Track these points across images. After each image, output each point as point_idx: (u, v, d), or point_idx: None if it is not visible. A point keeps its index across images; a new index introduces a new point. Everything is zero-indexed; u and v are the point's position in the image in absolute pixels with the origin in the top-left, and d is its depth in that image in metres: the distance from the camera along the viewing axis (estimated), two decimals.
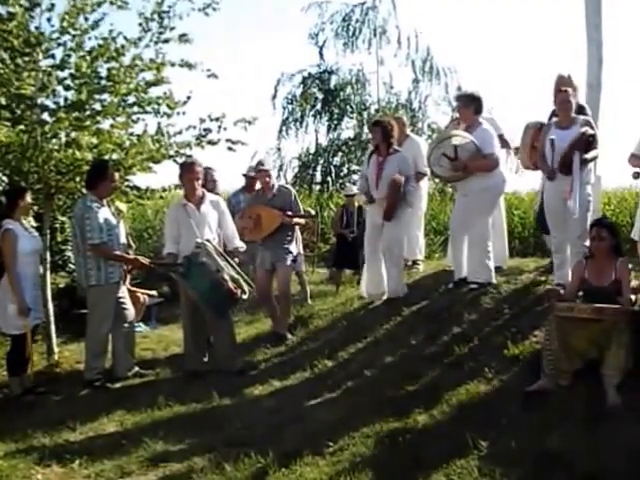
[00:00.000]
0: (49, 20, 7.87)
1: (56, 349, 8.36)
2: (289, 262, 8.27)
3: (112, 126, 8.25)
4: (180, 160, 8.22)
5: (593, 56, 8.09)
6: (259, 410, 6.25)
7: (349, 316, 8.40)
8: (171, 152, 8.41)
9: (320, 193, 16.29)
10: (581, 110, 7.32)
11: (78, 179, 8.09)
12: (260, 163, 8.49)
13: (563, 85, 7.25)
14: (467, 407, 5.52)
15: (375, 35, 15.88)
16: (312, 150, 16.44)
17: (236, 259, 7.61)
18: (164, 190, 8.85)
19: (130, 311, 7.67)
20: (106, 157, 8.10)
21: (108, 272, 7.29)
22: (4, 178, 8.81)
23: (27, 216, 7.77)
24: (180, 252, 7.39)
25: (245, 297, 7.26)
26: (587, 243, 6.38)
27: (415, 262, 9.54)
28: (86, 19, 7.98)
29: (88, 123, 8.01)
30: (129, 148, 8.20)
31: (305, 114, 16.17)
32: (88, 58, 7.88)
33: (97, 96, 8.03)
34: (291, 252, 8.29)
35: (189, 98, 8.42)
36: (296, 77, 16.36)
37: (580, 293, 6.05)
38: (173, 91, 8.36)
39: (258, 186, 8.98)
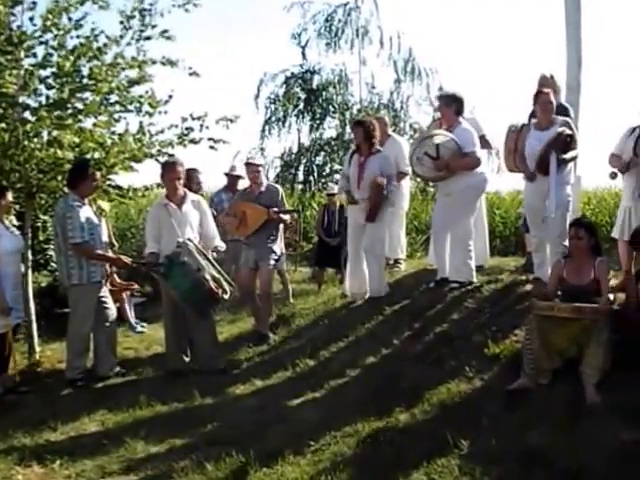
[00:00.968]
0: (31, 19, 7.84)
1: (38, 348, 8.31)
2: (272, 262, 8.27)
3: (94, 125, 8.22)
4: (162, 159, 8.20)
5: (572, 57, 8.13)
6: (241, 409, 6.26)
7: (331, 315, 8.42)
8: (153, 151, 8.39)
9: (302, 192, 16.33)
10: (564, 111, 7.37)
11: (60, 178, 8.06)
12: (250, 158, 8.49)
13: (546, 86, 7.30)
14: (448, 406, 5.55)
15: (357, 35, 15.91)
16: (294, 150, 16.47)
17: (214, 254, 7.62)
18: (146, 189, 8.83)
19: (112, 310, 7.66)
20: (88, 156, 8.06)
21: (90, 271, 7.27)
22: None
23: (8, 215, 7.74)
24: (161, 251, 7.39)
25: (226, 297, 7.28)
26: (566, 242, 6.43)
27: (397, 261, 9.57)
28: (70, 19, 7.95)
29: (70, 122, 7.97)
30: (111, 147, 8.17)
31: (288, 114, 16.18)
32: (71, 57, 7.85)
33: (79, 95, 7.99)
34: (275, 252, 8.29)
35: (171, 97, 8.41)
36: (279, 77, 16.38)
37: (559, 292, 6.12)
38: (155, 90, 8.36)
39: (240, 186, 8.97)
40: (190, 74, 8.37)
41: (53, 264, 10.64)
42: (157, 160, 8.31)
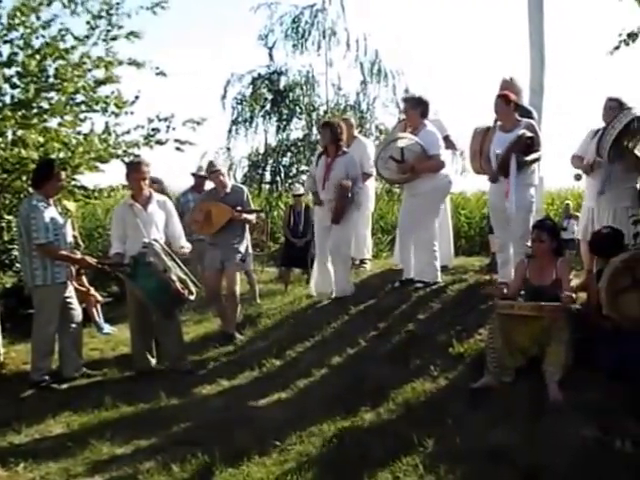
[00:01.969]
0: None
1: (2, 350, 8.24)
2: (238, 262, 8.28)
3: (59, 124, 8.18)
4: (128, 160, 8.17)
5: (536, 60, 8.21)
6: (207, 410, 6.25)
7: (297, 315, 8.45)
8: (119, 152, 8.37)
9: (269, 193, 16.31)
10: (527, 114, 7.46)
11: (24, 178, 8.02)
12: (212, 164, 8.50)
13: (507, 89, 7.38)
14: (413, 405, 5.58)
15: (324, 37, 15.88)
16: (261, 150, 16.41)
17: (182, 252, 7.61)
18: (112, 190, 8.80)
19: (78, 311, 7.61)
20: (53, 156, 8.01)
21: (54, 272, 7.21)
22: None
23: None
24: (127, 252, 7.37)
25: (192, 297, 7.27)
26: (529, 243, 6.51)
27: (363, 261, 9.63)
28: (38, 17, 7.90)
29: (35, 121, 7.94)
30: (76, 147, 8.13)
31: (255, 114, 16.10)
32: (37, 57, 7.80)
33: (44, 94, 7.96)
34: (240, 252, 8.29)
35: (137, 98, 8.40)
36: (245, 78, 16.31)
37: (522, 292, 6.20)
38: (122, 91, 8.34)
39: (207, 186, 8.96)
40: (157, 74, 8.36)
41: (18, 264, 10.53)
42: (123, 161, 8.29)
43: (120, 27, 8.17)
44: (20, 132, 7.92)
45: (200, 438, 5.47)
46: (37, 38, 7.94)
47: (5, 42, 7.83)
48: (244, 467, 4.92)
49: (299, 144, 16.37)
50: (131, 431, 5.77)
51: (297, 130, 16.60)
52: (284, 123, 16.34)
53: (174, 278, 7.04)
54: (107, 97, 8.24)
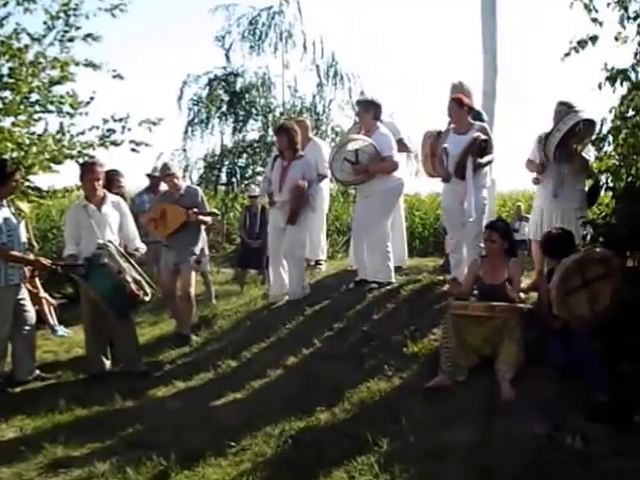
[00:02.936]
0: None
1: None
2: (193, 263, 8.26)
3: (13, 124, 8.09)
4: (82, 161, 8.11)
5: (488, 65, 8.32)
6: (162, 412, 6.23)
7: (253, 316, 8.44)
8: (73, 152, 8.31)
9: (225, 194, 16.31)
10: (478, 116, 7.57)
11: None
12: (166, 167, 8.46)
13: (457, 93, 7.48)
14: (368, 405, 5.63)
15: (281, 39, 15.92)
16: (217, 151, 16.40)
17: (136, 255, 7.57)
18: (67, 191, 8.72)
19: (31, 313, 7.51)
20: (6, 156, 7.92)
21: (8, 274, 7.11)
22: None
23: None
24: (81, 253, 7.30)
25: (147, 299, 7.25)
26: (482, 244, 6.61)
27: (318, 262, 9.66)
28: None
29: None
30: (29, 147, 8.05)
31: (211, 115, 16.09)
32: None
33: None
34: (195, 253, 8.29)
35: (92, 98, 8.35)
36: (202, 79, 16.30)
37: (476, 292, 6.29)
38: (78, 92, 8.29)
39: (163, 187, 8.93)
40: (114, 76, 8.32)
41: None
42: (77, 162, 8.22)
43: (78, 28, 8.11)
44: None
45: (155, 440, 5.47)
46: None
47: None
48: (199, 469, 4.94)
49: (255, 145, 16.40)
50: (85, 434, 5.73)
51: (253, 131, 16.65)
52: (240, 124, 16.36)
53: (129, 279, 7.00)
54: (62, 97, 8.18)
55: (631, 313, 5.44)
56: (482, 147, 7.01)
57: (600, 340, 5.48)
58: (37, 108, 8.16)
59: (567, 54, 5.98)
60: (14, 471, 5.19)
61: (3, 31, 7.88)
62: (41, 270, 8.56)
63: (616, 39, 5.96)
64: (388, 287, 7.75)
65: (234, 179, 16.33)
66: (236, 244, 13.70)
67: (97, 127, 8.33)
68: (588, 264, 5.53)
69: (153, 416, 6.11)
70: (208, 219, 8.60)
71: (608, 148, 6.34)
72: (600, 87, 5.87)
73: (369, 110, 7.91)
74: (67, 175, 8.80)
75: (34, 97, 8.09)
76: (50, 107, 8.17)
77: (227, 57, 16.50)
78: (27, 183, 8.37)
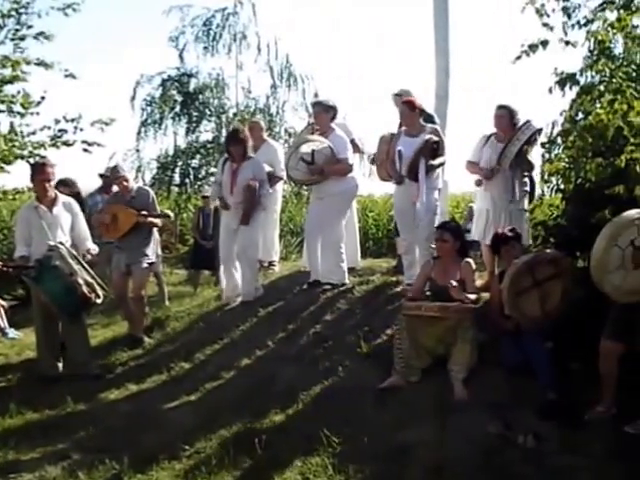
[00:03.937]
0: None
1: None
2: (144, 264, 8.19)
3: None
4: (33, 161, 8.00)
5: (441, 67, 8.41)
6: (115, 415, 6.16)
7: (206, 318, 8.39)
8: (24, 152, 8.19)
9: (179, 195, 16.21)
10: (429, 118, 7.64)
11: None
12: (116, 169, 8.39)
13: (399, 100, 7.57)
14: (322, 405, 5.65)
15: (235, 40, 15.90)
16: (171, 152, 16.30)
17: (88, 256, 7.48)
18: (17, 192, 8.60)
19: None
20: None
21: None
22: None
23: None
24: (32, 255, 7.20)
25: (99, 301, 7.18)
26: (434, 245, 6.67)
27: (271, 263, 9.65)
28: None
29: None
30: None
31: (164, 116, 15.99)
32: None
33: None
34: (147, 254, 8.21)
35: (43, 98, 8.25)
36: (155, 79, 16.20)
37: (428, 293, 6.34)
38: (30, 91, 8.17)
39: (115, 187, 8.85)
40: (66, 76, 8.22)
41: None
42: (28, 162, 8.11)
43: (30, 27, 8.00)
44: None
45: (108, 444, 5.41)
46: None
47: None
48: (153, 472, 4.91)
49: (208, 146, 16.33)
50: (37, 438, 5.66)
51: (206, 132, 16.58)
52: (194, 125, 16.30)
53: (80, 282, 6.93)
54: (13, 97, 8.06)
55: (581, 313, 5.53)
56: (434, 149, 7.08)
57: (551, 339, 5.58)
58: None
59: (518, 57, 6.06)
60: None
61: None
62: None
63: (567, 43, 6.05)
64: (341, 288, 7.77)
65: (187, 180, 16.24)
66: (189, 245, 13.62)
67: (49, 127, 8.24)
68: (539, 265, 5.60)
69: (105, 419, 6.04)
70: (158, 221, 8.53)
71: (558, 151, 6.44)
72: (550, 91, 5.95)
73: (328, 112, 7.97)
74: (18, 176, 8.69)
75: None
76: (1, 107, 8.05)
77: (181, 58, 16.44)
78: None
